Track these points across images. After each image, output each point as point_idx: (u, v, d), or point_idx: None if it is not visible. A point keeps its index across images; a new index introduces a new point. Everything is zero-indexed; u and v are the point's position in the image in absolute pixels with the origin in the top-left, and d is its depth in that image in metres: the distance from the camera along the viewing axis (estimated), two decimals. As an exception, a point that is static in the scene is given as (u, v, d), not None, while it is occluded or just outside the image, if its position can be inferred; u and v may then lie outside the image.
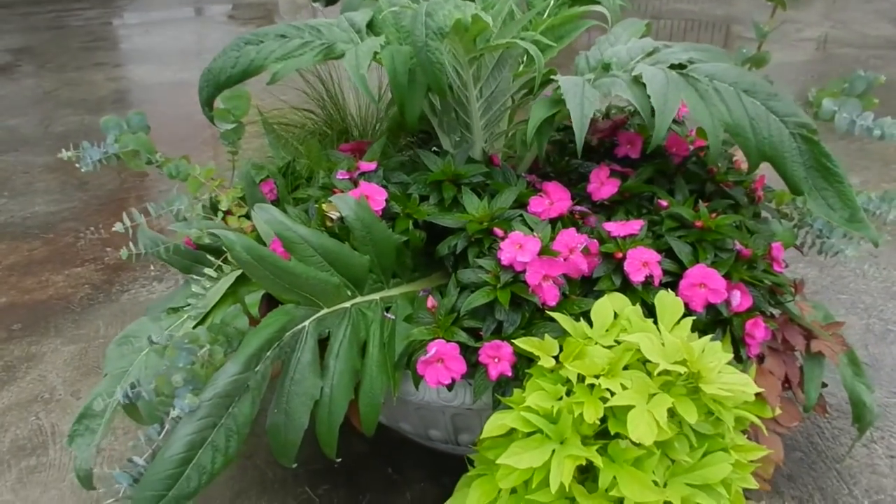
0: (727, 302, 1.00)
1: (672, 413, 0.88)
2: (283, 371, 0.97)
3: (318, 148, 1.32)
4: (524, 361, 0.96)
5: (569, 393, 0.91)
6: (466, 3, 0.98)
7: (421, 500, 1.26)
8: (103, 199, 2.43)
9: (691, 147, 1.23)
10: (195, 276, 1.13)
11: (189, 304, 1.11)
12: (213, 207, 1.21)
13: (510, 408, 0.92)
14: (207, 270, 1.10)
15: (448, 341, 0.95)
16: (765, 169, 1.08)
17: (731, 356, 0.97)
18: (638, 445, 0.85)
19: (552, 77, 1.10)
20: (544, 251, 0.96)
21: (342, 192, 1.09)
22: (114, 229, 1.12)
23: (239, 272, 1.11)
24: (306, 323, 0.99)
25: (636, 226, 1.03)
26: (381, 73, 1.15)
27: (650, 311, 0.97)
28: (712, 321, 1.01)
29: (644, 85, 1.02)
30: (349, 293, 1.04)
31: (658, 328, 0.94)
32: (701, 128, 1.23)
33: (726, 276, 1.01)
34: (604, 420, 0.89)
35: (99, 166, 1.22)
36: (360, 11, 1.21)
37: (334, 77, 1.51)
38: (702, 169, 1.20)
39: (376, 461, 1.34)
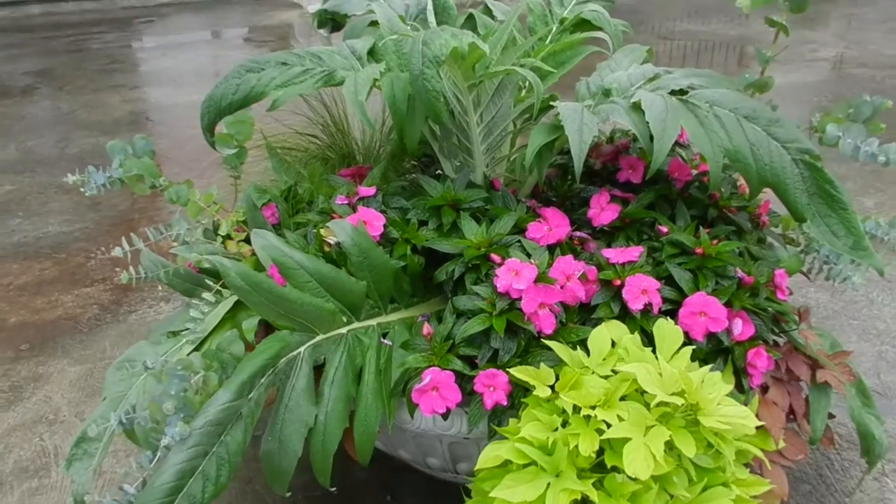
0: (728, 331, 0.98)
1: (671, 446, 0.87)
2: (278, 398, 0.97)
3: (321, 172, 1.32)
4: (520, 390, 0.94)
5: (564, 424, 0.89)
6: (464, 32, 0.99)
7: (420, 529, 1.25)
8: (115, 219, 2.45)
9: (694, 172, 1.22)
10: (194, 301, 1.13)
11: (188, 329, 1.11)
12: (214, 231, 1.21)
13: (506, 438, 0.91)
14: (206, 295, 1.10)
15: (443, 369, 0.95)
16: (770, 194, 1.06)
17: (731, 387, 0.95)
18: (634, 480, 0.84)
19: (552, 103, 1.10)
20: (541, 278, 0.95)
21: (341, 217, 1.09)
22: (113, 254, 1.13)
23: (237, 297, 1.11)
24: (301, 349, 0.99)
25: (635, 252, 1.02)
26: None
27: (649, 340, 0.96)
28: (713, 350, 1.00)
29: (643, 111, 1.01)
30: (345, 319, 1.03)
31: (657, 357, 0.93)
32: (704, 153, 1.22)
33: (727, 304, 0.99)
34: (600, 452, 0.87)
35: (104, 190, 1.23)
36: (362, 39, 1.22)
37: (338, 102, 1.52)
38: (704, 194, 1.19)
39: (375, 488, 1.33)
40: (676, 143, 1.28)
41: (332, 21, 1.41)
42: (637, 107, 1.03)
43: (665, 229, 1.08)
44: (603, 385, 0.90)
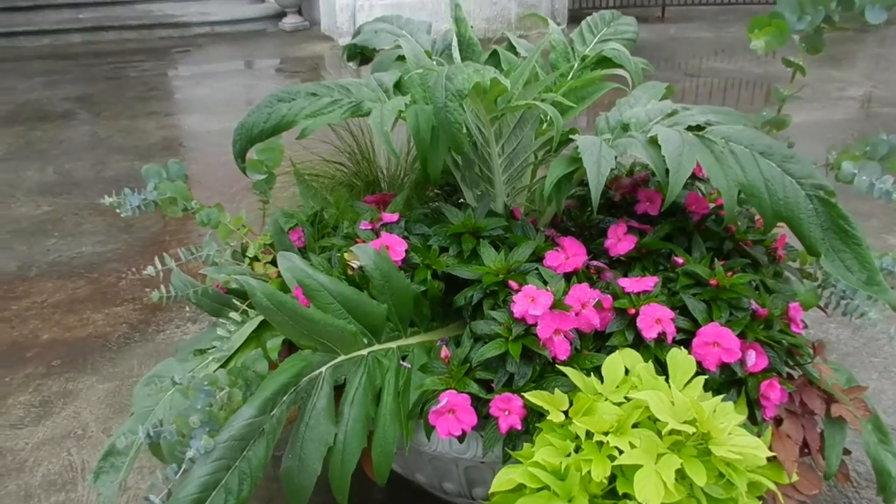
0: (742, 362, 1.00)
1: (682, 474, 0.88)
2: (299, 416, 1.00)
3: (346, 198, 1.37)
4: (534, 415, 0.96)
5: (577, 449, 0.91)
6: (486, 67, 1.03)
7: (434, 553, 1.26)
8: (146, 241, 2.52)
9: (711, 205, 1.24)
10: (221, 320, 1.17)
11: (214, 347, 1.15)
12: (242, 253, 1.26)
13: (520, 462, 0.93)
14: (232, 315, 1.14)
15: (460, 392, 0.97)
16: (786, 228, 1.08)
17: (744, 417, 0.96)
18: (645, 506, 0.85)
19: (571, 136, 1.13)
20: (556, 305, 0.97)
21: (364, 241, 1.13)
22: (145, 273, 1.18)
23: (263, 317, 1.15)
24: (323, 369, 1.02)
25: (650, 282, 1.04)
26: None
27: (663, 369, 0.97)
28: (727, 381, 1.01)
29: (660, 146, 1.04)
30: (366, 341, 1.06)
31: (669, 386, 0.94)
32: (721, 187, 1.24)
33: (741, 336, 1.00)
34: (613, 479, 0.89)
35: (138, 212, 1.28)
36: (389, 72, 1.27)
37: (365, 131, 1.57)
38: (721, 227, 1.21)
39: (392, 511, 1.34)
40: (694, 178, 1.31)
41: (362, 55, 1.47)
42: (654, 141, 1.06)
43: (681, 260, 1.10)
44: (616, 412, 0.92)
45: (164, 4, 6.56)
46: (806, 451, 1.06)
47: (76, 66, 5.33)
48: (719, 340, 0.98)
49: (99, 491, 1.10)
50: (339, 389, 1.03)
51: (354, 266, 1.11)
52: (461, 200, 1.35)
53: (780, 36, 1.09)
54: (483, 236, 1.16)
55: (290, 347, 1.11)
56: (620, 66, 1.36)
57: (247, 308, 1.17)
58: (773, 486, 0.95)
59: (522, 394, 0.95)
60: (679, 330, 1.01)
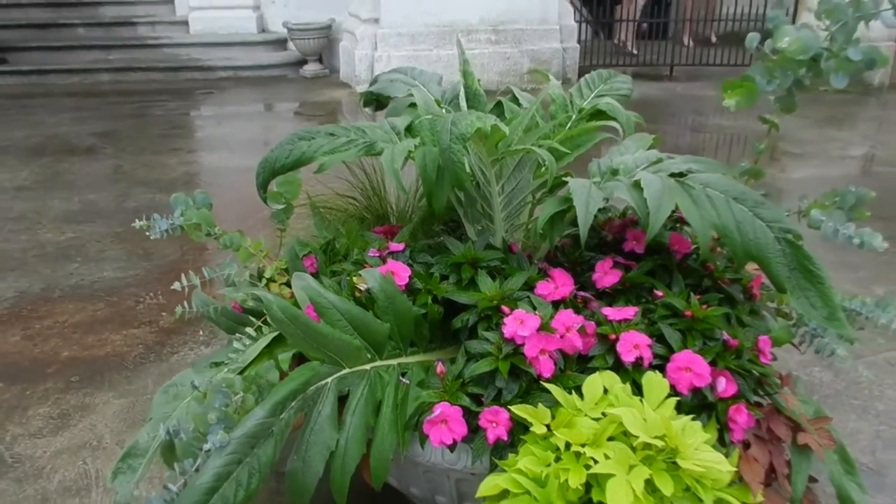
0: (712, 387, 1.08)
1: (653, 488, 0.96)
2: (305, 422, 1.09)
3: (357, 229, 1.48)
4: (520, 429, 1.05)
5: (557, 459, 1.00)
6: (488, 115, 1.15)
7: (425, 565, 1.32)
8: (164, 268, 2.65)
9: (693, 246, 1.34)
10: (237, 335, 1.27)
11: (230, 359, 1.25)
12: (259, 276, 1.37)
13: (505, 471, 1.01)
14: (248, 330, 1.25)
15: (453, 404, 1.06)
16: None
17: (711, 437, 1.05)
18: (616, 513, 0.93)
19: (564, 178, 1.25)
20: (543, 327, 1.07)
21: (371, 267, 1.24)
22: (172, 287, 1.29)
23: (276, 334, 1.25)
24: (329, 380, 1.12)
25: (630, 311, 1.14)
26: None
27: (639, 391, 1.07)
28: (698, 405, 1.09)
29: (642, 189, 1.15)
30: (369, 356, 1.16)
31: (644, 405, 1.03)
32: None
33: (712, 363, 1.10)
34: (589, 489, 0.97)
35: (165, 235, 1.40)
36: (401, 117, 1.40)
37: (377, 169, 1.70)
38: (702, 266, 1.31)
39: (387, 525, 1.42)
40: (680, 220, 1.42)
41: (377, 101, 1.61)
42: (637, 185, 1.17)
43: (660, 293, 1.20)
44: (593, 426, 1.01)
45: (191, 49, 6.85)
46: (773, 475, 1.14)
47: (104, 104, 5.56)
48: (691, 366, 1.07)
49: (116, 489, 1.19)
50: (342, 399, 1.13)
51: (362, 288, 1.21)
52: (464, 236, 1.46)
53: (750, 97, 1.21)
54: (481, 266, 1.26)
55: (299, 361, 1.21)
56: (614, 119, 1.49)
57: (261, 324, 1.27)
58: (738, 504, 1.02)
59: (509, 407, 1.04)
60: (656, 356, 1.10)
